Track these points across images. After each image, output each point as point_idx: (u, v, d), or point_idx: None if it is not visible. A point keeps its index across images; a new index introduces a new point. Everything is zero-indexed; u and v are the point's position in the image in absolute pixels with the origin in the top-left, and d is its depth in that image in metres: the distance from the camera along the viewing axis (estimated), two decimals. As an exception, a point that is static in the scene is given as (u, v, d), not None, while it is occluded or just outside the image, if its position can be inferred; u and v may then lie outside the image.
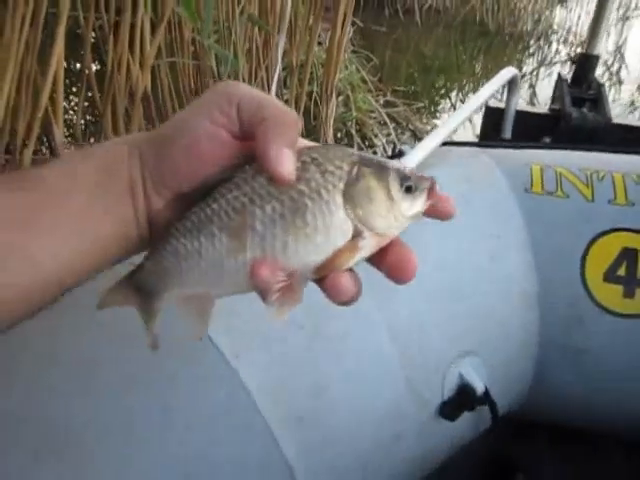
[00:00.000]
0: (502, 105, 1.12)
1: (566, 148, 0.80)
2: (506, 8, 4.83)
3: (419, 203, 0.28)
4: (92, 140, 1.69)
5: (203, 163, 0.28)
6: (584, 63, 1.10)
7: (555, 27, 6.59)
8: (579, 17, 6.71)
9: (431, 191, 0.28)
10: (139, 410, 0.47)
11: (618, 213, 0.68)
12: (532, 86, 4.08)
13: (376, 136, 2.09)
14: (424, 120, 2.31)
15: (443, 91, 3.61)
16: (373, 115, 2.28)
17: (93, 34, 1.55)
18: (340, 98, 2.34)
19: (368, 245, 0.28)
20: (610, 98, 3.96)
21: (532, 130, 1.11)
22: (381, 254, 0.28)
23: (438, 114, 2.78)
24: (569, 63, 4.89)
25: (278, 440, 0.53)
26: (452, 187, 0.69)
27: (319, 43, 3.26)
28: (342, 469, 0.58)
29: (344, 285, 0.27)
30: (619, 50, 5.72)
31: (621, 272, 0.66)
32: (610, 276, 0.67)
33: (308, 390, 0.56)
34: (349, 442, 0.57)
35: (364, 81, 2.64)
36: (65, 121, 1.52)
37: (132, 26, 1.22)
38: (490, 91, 1.00)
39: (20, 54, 1.08)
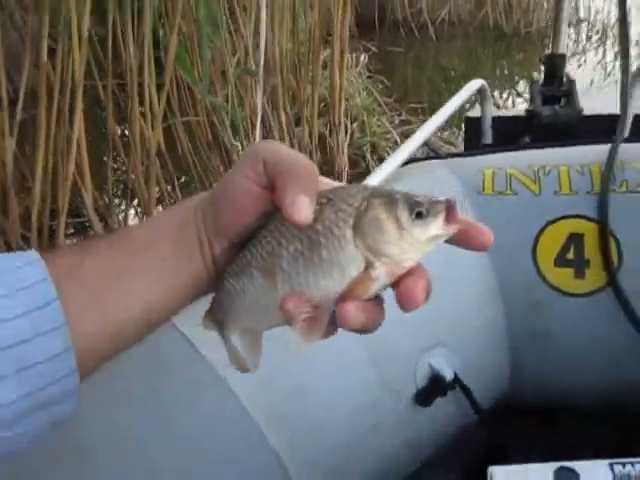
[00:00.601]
0: (479, 114, 1.19)
1: (517, 149, 0.87)
2: (519, 8, 4.85)
3: (433, 227, 0.28)
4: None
5: (243, 214, 0.32)
6: (552, 63, 1.16)
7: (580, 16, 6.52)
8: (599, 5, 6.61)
9: (450, 214, 0.28)
10: (135, 422, 0.56)
11: (563, 202, 0.74)
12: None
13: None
14: (438, 133, 2.37)
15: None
16: (387, 136, 2.37)
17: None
18: (355, 124, 2.44)
19: (382, 274, 0.29)
20: None
21: (511, 133, 1.17)
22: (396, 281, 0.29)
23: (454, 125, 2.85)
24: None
25: (268, 438, 0.62)
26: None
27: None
28: (329, 461, 0.65)
29: (348, 314, 0.28)
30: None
31: (570, 256, 0.72)
32: (560, 260, 0.72)
33: (290, 391, 0.64)
34: (331, 436, 0.65)
35: (379, 104, 2.74)
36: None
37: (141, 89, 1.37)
38: (457, 104, 1.08)
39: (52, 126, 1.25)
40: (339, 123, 2.07)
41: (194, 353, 0.61)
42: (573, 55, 5.02)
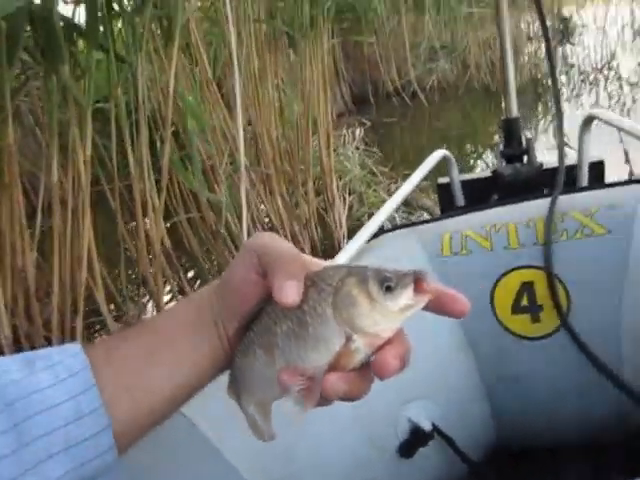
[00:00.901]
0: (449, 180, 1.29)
1: (475, 211, 0.95)
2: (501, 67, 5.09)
3: (403, 299, 0.31)
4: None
5: (246, 299, 0.36)
6: (508, 126, 1.27)
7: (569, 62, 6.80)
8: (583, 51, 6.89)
9: (419, 284, 0.31)
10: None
11: (513, 255, 0.82)
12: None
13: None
14: (432, 196, 2.47)
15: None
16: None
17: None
18: (353, 197, 2.57)
19: (362, 346, 0.31)
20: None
21: (480, 193, 1.26)
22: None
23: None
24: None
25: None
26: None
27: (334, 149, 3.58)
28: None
29: (330, 384, 0.31)
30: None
31: (524, 303, 0.79)
32: (517, 308, 0.79)
33: (282, 456, 0.70)
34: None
35: (375, 175, 2.88)
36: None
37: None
38: (422, 174, 1.18)
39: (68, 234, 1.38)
40: (333, 200, 2.19)
41: (191, 427, 0.67)
42: (567, 100, 5.21)
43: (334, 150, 3.35)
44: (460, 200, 1.29)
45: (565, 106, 4.92)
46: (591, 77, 6.03)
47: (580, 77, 6.11)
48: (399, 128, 4.97)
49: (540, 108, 5.14)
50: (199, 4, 1.82)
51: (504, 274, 0.81)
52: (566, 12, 8.36)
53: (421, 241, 0.90)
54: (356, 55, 5.79)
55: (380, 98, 5.74)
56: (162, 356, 0.36)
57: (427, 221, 1.04)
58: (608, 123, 1.06)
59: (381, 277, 0.31)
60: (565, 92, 5.46)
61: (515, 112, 1.27)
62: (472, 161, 3.82)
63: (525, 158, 1.26)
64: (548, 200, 0.87)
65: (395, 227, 1.02)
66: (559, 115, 1.09)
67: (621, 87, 5.21)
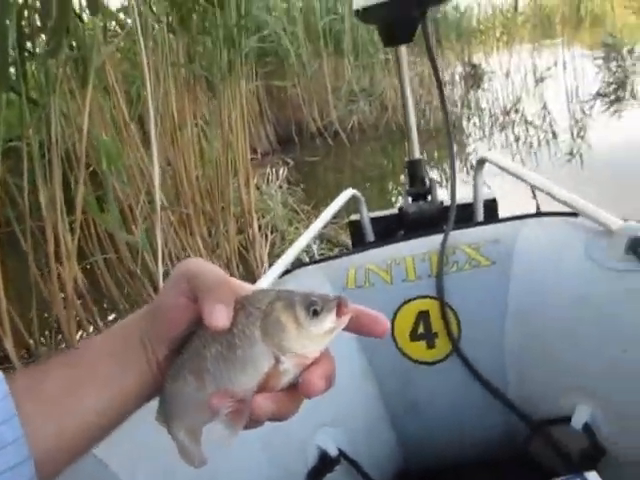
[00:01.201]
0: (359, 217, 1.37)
1: (380, 246, 1.02)
2: (416, 108, 5.39)
3: (328, 322, 0.33)
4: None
5: (176, 324, 0.36)
6: (412, 168, 1.36)
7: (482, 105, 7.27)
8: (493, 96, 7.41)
9: (339, 309, 0.33)
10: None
11: (410, 287, 0.89)
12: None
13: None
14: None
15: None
16: (305, 241, 2.54)
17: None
18: (275, 234, 2.62)
19: (290, 367, 0.33)
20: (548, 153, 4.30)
21: (388, 229, 1.34)
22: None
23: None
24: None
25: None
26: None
27: (257, 188, 3.64)
28: None
29: (258, 405, 0.33)
30: (545, 109, 6.30)
31: (421, 330, 0.85)
32: (414, 335, 0.85)
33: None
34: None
35: (297, 212, 2.95)
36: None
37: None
38: (332, 213, 1.25)
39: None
40: (254, 239, 2.23)
41: (102, 468, 0.66)
42: (481, 139, 5.57)
43: (258, 188, 3.41)
44: (370, 236, 1.36)
45: (479, 146, 5.27)
46: (500, 119, 6.47)
47: (491, 119, 6.54)
48: (322, 166, 5.12)
49: (456, 148, 5.45)
50: (115, 48, 1.84)
51: (403, 304, 0.87)
52: (475, 59, 8.95)
53: (328, 275, 0.95)
54: (280, 96, 5.96)
55: (304, 138, 5.91)
56: (85, 389, 0.36)
57: (337, 256, 1.09)
58: (497, 166, 1.17)
59: (307, 302, 0.33)
60: (478, 133, 5.84)
61: (417, 154, 1.37)
62: (391, 197, 3.99)
63: (429, 197, 1.36)
64: (441, 236, 0.94)
65: (307, 263, 1.07)
66: (452, 160, 1.18)
67: (527, 129, 5.62)
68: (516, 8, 7.62)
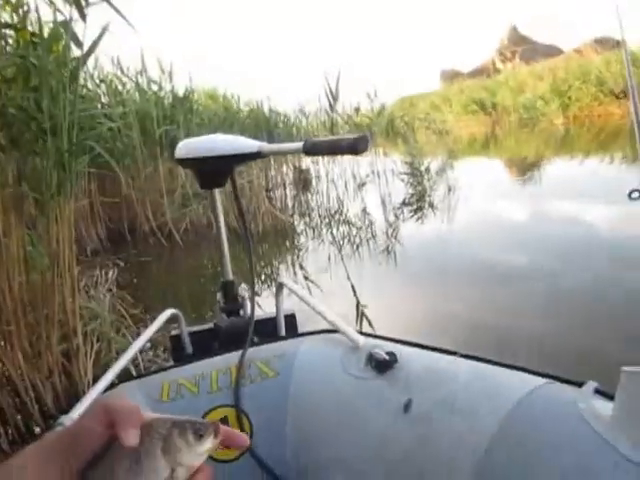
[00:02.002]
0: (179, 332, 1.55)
1: (191, 362, 1.21)
2: (248, 214, 5.77)
3: (209, 442, 0.45)
4: None
5: (93, 445, 0.45)
6: (225, 288, 1.59)
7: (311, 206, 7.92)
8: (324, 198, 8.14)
9: (217, 432, 0.46)
10: None
11: (213, 397, 1.08)
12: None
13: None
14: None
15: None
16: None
17: None
18: (102, 343, 2.63)
19: (182, 474, 0.44)
20: (369, 250, 4.84)
21: (205, 342, 1.54)
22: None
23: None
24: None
25: None
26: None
27: (85, 292, 3.60)
28: None
29: None
30: (365, 213, 7.07)
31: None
32: (215, 440, 1.04)
33: None
34: None
35: (126, 318, 2.99)
36: None
37: None
38: (153, 331, 1.41)
39: None
40: (78, 349, 2.25)
41: None
42: (313, 238, 6.07)
43: (86, 292, 3.39)
44: (189, 349, 1.54)
45: (309, 243, 5.75)
46: (327, 220, 7.13)
47: (318, 220, 7.18)
48: (154, 267, 5.18)
49: (287, 245, 5.89)
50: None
51: (207, 412, 1.06)
52: (304, 165, 9.81)
53: (144, 390, 1.11)
54: (113, 192, 5.96)
55: (137, 237, 5.94)
56: None
57: (156, 371, 1.25)
58: (289, 290, 1.44)
59: (195, 428, 0.45)
60: (309, 232, 6.39)
61: (230, 276, 1.61)
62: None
63: (241, 312, 1.59)
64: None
65: (127, 379, 1.21)
66: (252, 292, 1.43)
67: (350, 229, 6.27)
68: (331, 128, 8.64)
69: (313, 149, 1.15)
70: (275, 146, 1.33)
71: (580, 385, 0.88)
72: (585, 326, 2.84)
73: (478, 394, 0.93)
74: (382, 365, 1.02)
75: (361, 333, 1.13)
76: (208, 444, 0.45)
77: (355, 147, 1.03)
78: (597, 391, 0.86)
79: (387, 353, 1.04)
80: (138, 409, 0.46)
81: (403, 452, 0.94)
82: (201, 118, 6.95)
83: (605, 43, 20.43)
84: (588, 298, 3.23)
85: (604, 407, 0.80)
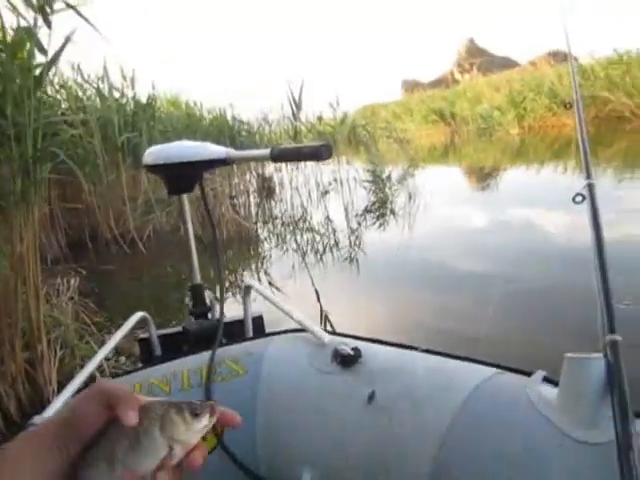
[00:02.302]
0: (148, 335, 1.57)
1: (162, 362, 1.24)
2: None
3: (204, 420, 0.47)
4: None
5: (92, 427, 0.46)
6: (194, 291, 1.63)
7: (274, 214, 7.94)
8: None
9: (212, 411, 0.48)
10: None
11: (184, 396, 1.12)
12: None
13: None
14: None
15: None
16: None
17: None
18: (65, 350, 2.61)
19: (179, 451, 0.46)
20: (332, 258, 4.92)
21: (174, 344, 1.57)
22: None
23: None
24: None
25: None
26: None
27: (47, 301, 3.54)
28: None
29: (160, 478, 0.45)
30: (328, 220, 7.13)
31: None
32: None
33: None
34: None
35: (89, 325, 2.97)
36: None
37: None
38: (122, 334, 1.44)
39: None
40: (42, 356, 2.24)
41: None
42: (276, 246, 6.09)
43: (47, 301, 3.34)
44: (158, 351, 1.57)
45: (273, 250, 5.78)
46: (291, 227, 7.17)
47: (282, 227, 7.22)
48: (117, 275, 5.12)
49: (252, 252, 5.92)
50: None
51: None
52: (267, 173, 9.83)
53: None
54: (74, 199, 5.87)
55: (99, 245, 5.86)
56: None
57: (127, 372, 1.28)
58: (257, 292, 1.49)
59: (191, 408, 0.48)
60: (273, 239, 6.42)
61: (198, 279, 1.64)
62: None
63: (209, 315, 1.63)
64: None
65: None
66: (221, 293, 1.48)
67: (314, 237, 6.33)
68: (295, 136, 8.71)
69: (280, 156, 1.21)
70: (243, 153, 1.39)
71: (529, 374, 0.96)
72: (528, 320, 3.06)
73: (436, 385, 1.00)
74: (347, 360, 1.08)
75: (327, 332, 1.19)
76: (204, 421, 0.48)
77: (319, 154, 1.10)
78: (545, 379, 0.93)
79: (352, 349, 1.10)
80: (131, 393, 0.48)
81: (368, 442, 1.00)
82: (164, 125, 6.93)
83: (558, 56, 21.24)
84: (530, 294, 3.48)
85: (551, 393, 0.88)
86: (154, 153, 1.39)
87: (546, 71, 17.23)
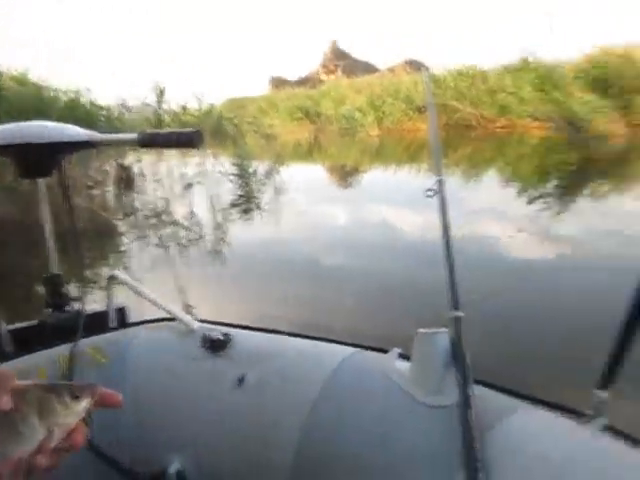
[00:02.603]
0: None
1: (14, 357, 1.16)
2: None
3: (84, 402, 0.47)
4: None
5: None
6: (51, 281, 1.53)
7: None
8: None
9: (93, 393, 0.48)
10: None
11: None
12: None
13: None
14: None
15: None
16: None
17: None
18: None
19: (59, 433, 0.45)
20: (198, 251, 4.80)
21: (29, 339, 1.46)
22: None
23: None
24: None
25: None
26: None
27: None
28: None
29: (38, 462, 0.44)
30: (192, 214, 6.97)
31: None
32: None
33: None
34: None
35: None
36: None
37: None
38: None
39: None
40: None
41: None
42: (138, 239, 5.83)
43: None
44: (8, 347, 1.45)
45: (134, 244, 5.54)
46: (154, 220, 6.91)
47: (145, 220, 6.93)
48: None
49: (112, 245, 5.62)
50: None
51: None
52: (127, 162, 9.37)
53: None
54: None
55: None
56: None
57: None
58: (123, 282, 1.44)
59: (70, 389, 0.47)
60: (135, 232, 6.14)
61: (56, 270, 1.55)
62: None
63: (67, 307, 1.54)
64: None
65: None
66: (82, 277, 1.41)
67: (178, 230, 6.17)
68: (158, 124, 8.42)
69: (148, 141, 1.18)
70: (107, 136, 1.32)
71: (386, 352, 1.05)
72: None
73: (303, 365, 1.05)
74: (216, 345, 1.10)
75: (196, 320, 1.20)
76: (84, 403, 0.48)
77: (192, 141, 1.09)
78: (401, 355, 1.03)
79: (222, 334, 1.11)
80: (8, 375, 0.46)
81: (240, 422, 1.03)
82: (10, 104, 6.30)
83: (414, 64, 22.77)
84: (386, 281, 3.78)
85: (405, 367, 0.98)
86: (4, 132, 1.28)
87: (403, 78, 18.37)
